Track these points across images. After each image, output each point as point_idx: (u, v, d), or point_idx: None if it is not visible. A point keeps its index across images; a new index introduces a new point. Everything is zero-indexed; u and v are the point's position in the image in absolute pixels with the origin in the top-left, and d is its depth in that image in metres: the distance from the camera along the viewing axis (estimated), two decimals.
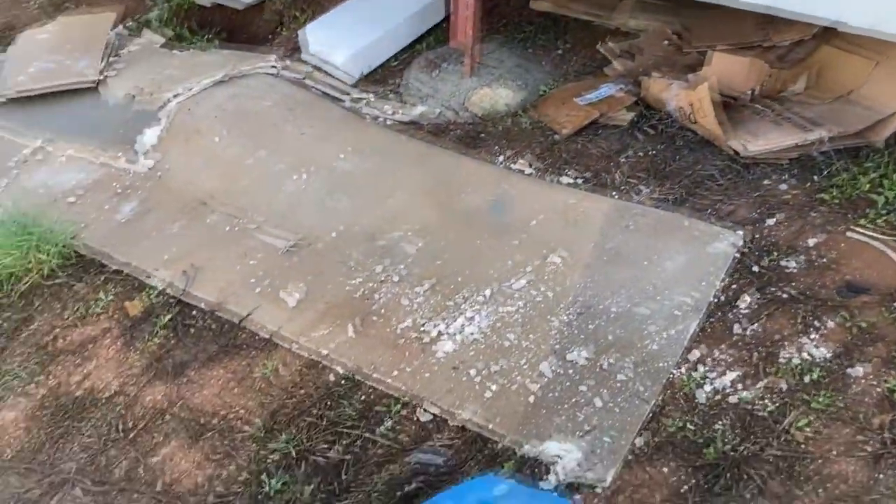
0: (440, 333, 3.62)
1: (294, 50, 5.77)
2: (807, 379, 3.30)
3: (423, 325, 3.68)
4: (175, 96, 5.13)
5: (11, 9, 6.49)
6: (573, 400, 3.32)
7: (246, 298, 3.86)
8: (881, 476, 2.95)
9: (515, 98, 5.14)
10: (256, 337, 3.68)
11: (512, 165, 4.62)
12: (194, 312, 3.81)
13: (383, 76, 5.53)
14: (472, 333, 3.61)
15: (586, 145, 4.73)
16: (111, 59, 5.60)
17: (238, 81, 5.34)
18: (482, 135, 4.90)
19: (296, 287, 3.89)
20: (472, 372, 3.45)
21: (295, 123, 5.01)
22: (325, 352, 3.58)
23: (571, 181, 4.48)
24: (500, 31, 5.85)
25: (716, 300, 3.74)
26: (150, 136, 4.84)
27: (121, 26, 6.08)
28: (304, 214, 4.38)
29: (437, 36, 5.87)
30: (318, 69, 5.52)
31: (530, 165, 4.61)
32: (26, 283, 3.93)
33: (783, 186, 4.24)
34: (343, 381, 3.46)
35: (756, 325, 3.61)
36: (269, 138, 4.89)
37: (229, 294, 3.88)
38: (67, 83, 5.26)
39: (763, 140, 4.45)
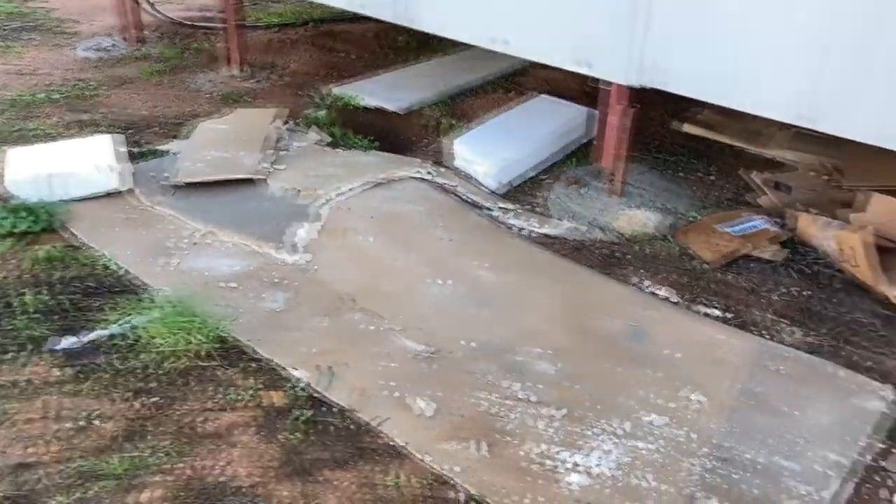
0: (575, 465, 3.56)
1: (444, 157, 6.01)
2: None
3: (557, 452, 3.62)
4: (336, 194, 5.43)
5: (197, 99, 7.15)
6: None
7: (382, 402, 3.93)
8: None
9: (662, 222, 5.12)
10: (389, 444, 3.73)
11: (656, 292, 4.57)
12: (333, 410, 3.92)
13: (530, 189, 5.66)
14: (608, 469, 3.53)
15: (735, 278, 4.63)
16: (280, 153, 6.02)
17: (393, 185, 5.61)
18: (627, 256, 4.89)
19: (431, 396, 3.94)
20: None
21: (443, 229, 5.18)
22: (456, 468, 3.57)
23: (718, 314, 4.38)
24: (650, 153, 5.89)
25: (872, 462, 3.51)
26: (308, 230, 5.11)
27: (291, 122, 6.56)
28: (444, 322, 4.46)
29: (585, 153, 5.98)
30: (467, 178, 5.72)
31: (674, 293, 4.55)
32: (183, 363, 4.18)
33: None
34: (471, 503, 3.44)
35: None
36: (417, 242, 5.07)
37: (366, 396, 3.97)
38: (236, 175, 5.65)
39: None
